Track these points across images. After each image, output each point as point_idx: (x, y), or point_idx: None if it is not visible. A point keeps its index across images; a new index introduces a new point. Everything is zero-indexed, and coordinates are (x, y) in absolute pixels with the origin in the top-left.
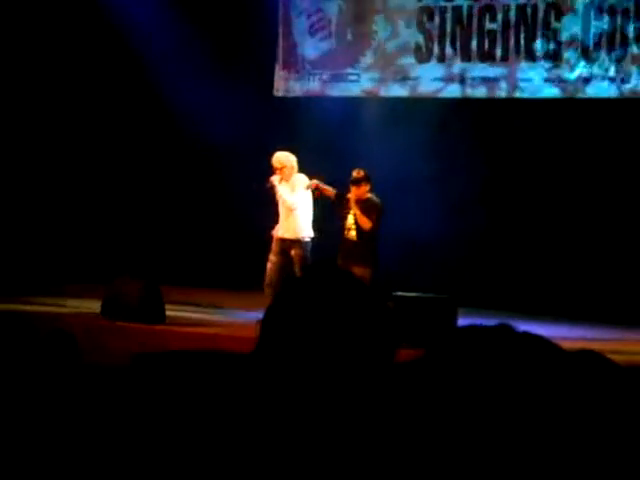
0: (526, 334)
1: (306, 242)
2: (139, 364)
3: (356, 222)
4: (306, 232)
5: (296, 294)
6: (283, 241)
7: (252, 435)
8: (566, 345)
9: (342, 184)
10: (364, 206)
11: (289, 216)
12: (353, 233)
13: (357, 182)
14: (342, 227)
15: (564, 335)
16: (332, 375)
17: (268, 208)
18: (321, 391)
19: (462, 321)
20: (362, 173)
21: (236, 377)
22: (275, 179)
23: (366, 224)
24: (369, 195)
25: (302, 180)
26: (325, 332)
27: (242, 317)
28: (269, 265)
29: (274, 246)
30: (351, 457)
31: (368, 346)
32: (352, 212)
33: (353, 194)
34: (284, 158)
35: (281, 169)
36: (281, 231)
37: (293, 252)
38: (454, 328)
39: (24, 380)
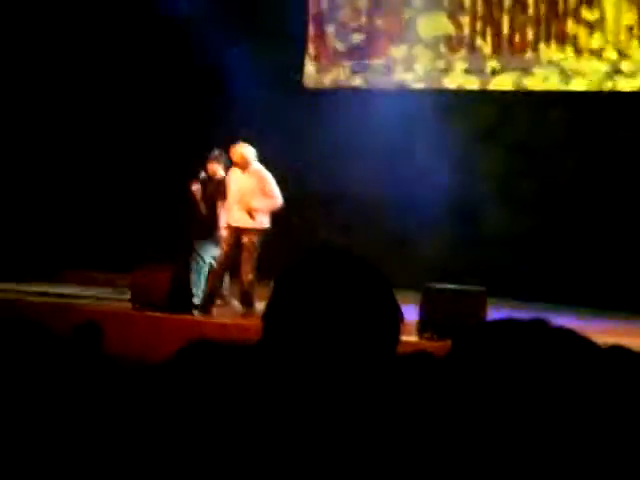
0: (560, 329)
1: (262, 230)
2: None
3: None
4: (265, 221)
5: (297, 281)
6: (237, 229)
7: (256, 427)
8: (598, 338)
9: (373, 178)
10: None
11: (249, 204)
12: None
13: None
14: None
15: (596, 327)
16: (336, 363)
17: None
18: (326, 380)
19: (492, 313)
20: None
21: (240, 368)
22: None
23: None
24: None
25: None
26: (328, 319)
27: None
28: (222, 255)
29: (227, 235)
30: (359, 448)
31: (372, 332)
32: None
33: None
34: (250, 154)
35: (247, 164)
36: (235, 219)
37: (246, 239)
38: (486, 321)
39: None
